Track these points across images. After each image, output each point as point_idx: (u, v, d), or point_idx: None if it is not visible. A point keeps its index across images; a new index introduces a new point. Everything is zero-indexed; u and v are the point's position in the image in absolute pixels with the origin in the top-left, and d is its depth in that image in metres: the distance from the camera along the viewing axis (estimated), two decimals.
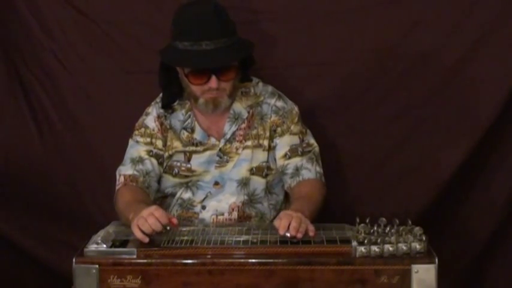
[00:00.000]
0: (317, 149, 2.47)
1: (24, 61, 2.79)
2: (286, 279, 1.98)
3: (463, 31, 2.64)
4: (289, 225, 2.05)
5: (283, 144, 2.43)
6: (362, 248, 1.97)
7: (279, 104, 2.45)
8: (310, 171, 2.40)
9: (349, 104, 2.73)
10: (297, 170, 2.40)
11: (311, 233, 2.07)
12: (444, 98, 2.68)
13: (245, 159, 2.42)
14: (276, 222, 2.09)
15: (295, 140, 2.43)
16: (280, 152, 2.43)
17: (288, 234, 2.05)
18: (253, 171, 2.42)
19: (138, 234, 2.07)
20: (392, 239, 1.97)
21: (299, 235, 2.04)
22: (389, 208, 2.64)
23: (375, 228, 2.01)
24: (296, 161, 2.41)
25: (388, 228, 2.00)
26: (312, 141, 2.47)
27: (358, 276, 1.97)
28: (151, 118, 2.45)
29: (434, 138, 2.69)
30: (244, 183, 2.41)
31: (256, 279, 1.98)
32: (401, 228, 2.00)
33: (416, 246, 1.98)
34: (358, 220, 2.02)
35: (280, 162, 2.43)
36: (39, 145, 2.82)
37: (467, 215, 2.73)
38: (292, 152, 2.42)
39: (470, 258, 2.76)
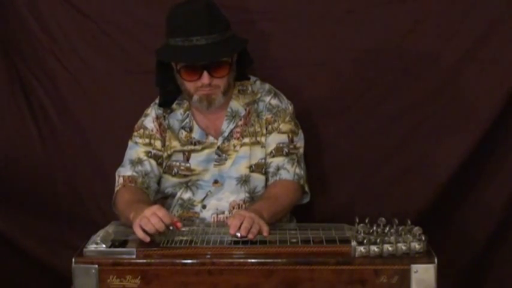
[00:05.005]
0: (301, 150, 2.47)
1: (24, 61, 2.79)
2: (286, 279, 1.98)
3: (463, 31, 2.64)
4: (241, 225, 2.07)
5: (271, 142, 2.44)
6: (361, 248, 1.97)
7: (274, 102, 2.46)
8: (289, 172, 2.40)
9: (349, 104, 2.72)
10: (278, 169, 2.41)
11: (265, 234, 2.09)
12: (444, 98, 2.68)
13: (243, 157, 2.42)
14: (229, 221, 2.11)
15: (283, 138, 2.44)
16: (267, 150, 2.44)
17: (239, 234, 2.06)
18: (253, 168, 2.43)
19: (140, 234, 2.07)
20: (392, 239, 1.97)
21: (250, 236, 2.06)
22: (388, 208, 2.63)
23: (374, 228, 2.01)
24: (279, 160, 2.42)
25: (387, 228, 2.01)
26: (300, 144, 2.47)
27: (358, 276, 1.97)
28: (149, 119, 2.46)
29: (434, 139, 2.68)
30: (244, 180, 2.42)
31: (256, 279, 1.98)
32: (400, 228, 2.00)
33: (416, 246, 1.97)
34: (357, 220, 2.02)
35: (267, 159, 2.44)
36: (39, 145, 2.82)
37: (467, 215, 2.73)
38: (277, 151, 2.43)
39: (470, 258, 2.75)
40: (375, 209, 2.64)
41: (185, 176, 2.44)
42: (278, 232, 2.14)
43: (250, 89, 2.48)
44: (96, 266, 2.00)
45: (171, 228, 2.09)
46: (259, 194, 2.43)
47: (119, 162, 2.46)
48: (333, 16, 2.68)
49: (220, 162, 2.43)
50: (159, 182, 2.46)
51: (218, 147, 2.43)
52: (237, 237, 2.07)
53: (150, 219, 2.06)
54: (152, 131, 2.45)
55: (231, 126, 2.44)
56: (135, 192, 2.35)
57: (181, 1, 2.37)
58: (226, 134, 2.43)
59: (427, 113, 2.69)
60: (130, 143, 2.47)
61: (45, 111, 2.81)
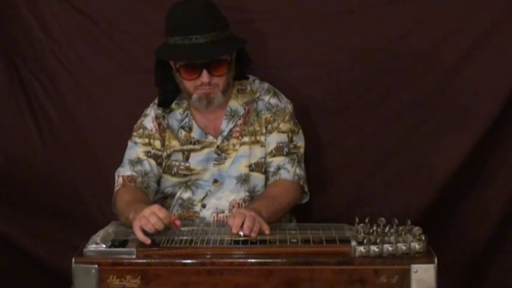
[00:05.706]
0: (302, 150, 2.48)
1: (24, 61, 2.79)
2: (286, 279, 1.98)
3: (463, 31, 2.64)
4: (242, 224, 2.07)
5: (271, 141, 2.44)
6: (361, 248, 1.97)
7: (273, 101, 2.46)
8: (289, 172, 2.40)
9: (349, 104, 2.72)
10: (278, 169, 2.41)
11: (267, 232, 2.10)
12: (444, 98, 2.68)
13: (243, 156, 2.42)
14: (230, 221, 2.12)
15: (283, 138, 2.44)
16: (267, 149, 2.44)
17: (242, 233, 2.06)
18: (252, 167, 2.43)
19: (140, 236, 2.07)
20: (392, 238, 1.98)
21: (253, 234, 2.07)
22: (389, 208, 2.63)
23: (374, 228, 2.01)
24: (279, 160, 2.42)
25: (387, 228, 2.01)
26: (300, 143, 2.48)
27: (358, 276, 1.97)
28: (149, 119, 2.46)
29: (434, 139, 2.69)
30: (243, 179, 2.42)
31: (256, 279, 1.98)
32: (400, 228, 2.00)
33: (416, 246, 1.98)
34: (357, 220, 2.02)
35: (267, 159, 2.44)
36: (39, 145, 2.82)
37: (467, 215, 2.73)
38: (278, 151, 2.43)
39: (470, 258, 2.75)
40: (374, 209, 2.64)
41: (185, 175, 2.44)
42: (278, 232, 2.14)
43: (249, 88, 2.48)
44: (96, 266, 2.00)
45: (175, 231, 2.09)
46: (259, 193, 2.43)
47: (118, 162, 2.46)
48: (333, 16, 2.67)
49: (220, 162, 2.43)
50: (158, 182, 2.47)
51: (217, 147, 2.43)
52: (240, 236, 2.07)
53: (149, 219, 2.07)
54: (151, 130, 2.45)
55: (230, 125, 2.44)
56: (134, 192, 2.35)
57: (181, 0, 2.37)
58: (225, 134, 2.43)
59: (426, 113, 2.69)
60: (129, 143, 2.47)
61: (45, 111, 2.81)
